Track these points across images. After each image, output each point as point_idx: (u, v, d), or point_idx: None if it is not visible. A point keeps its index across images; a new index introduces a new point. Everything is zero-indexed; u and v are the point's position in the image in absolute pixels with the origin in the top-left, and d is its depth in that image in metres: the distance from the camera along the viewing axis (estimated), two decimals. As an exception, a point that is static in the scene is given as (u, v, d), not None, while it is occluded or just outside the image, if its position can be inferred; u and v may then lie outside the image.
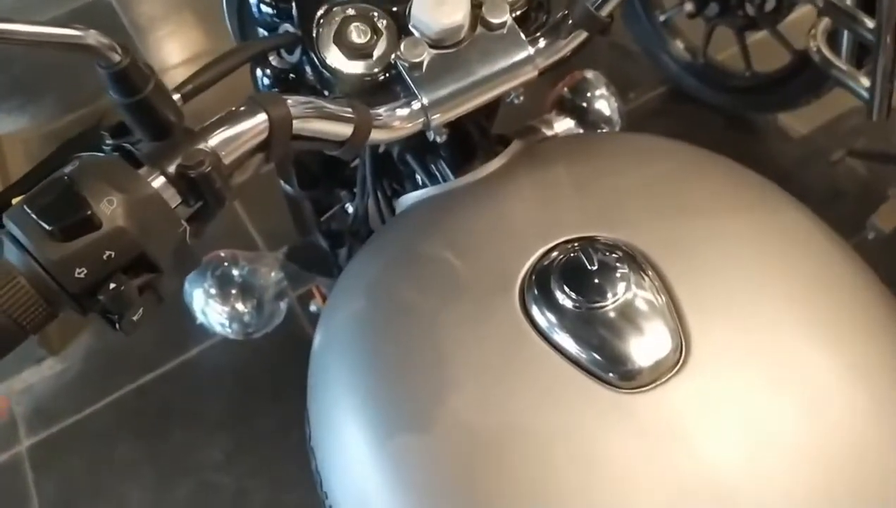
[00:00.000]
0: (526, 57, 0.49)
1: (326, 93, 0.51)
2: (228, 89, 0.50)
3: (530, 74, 0.49)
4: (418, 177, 0.60)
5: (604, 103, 0.79)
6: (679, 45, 1.57)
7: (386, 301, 0.49)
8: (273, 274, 0.69)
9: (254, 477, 1.25)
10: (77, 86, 1.83)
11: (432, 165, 0.58)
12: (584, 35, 0.50)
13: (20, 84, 1.84)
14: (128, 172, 0.35)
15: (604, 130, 0.78)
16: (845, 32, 1.09)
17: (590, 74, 0.79)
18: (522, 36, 0.49)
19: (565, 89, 0.78)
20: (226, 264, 0.68)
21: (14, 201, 0.36)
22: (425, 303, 0.47)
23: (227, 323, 0.68)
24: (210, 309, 0.67)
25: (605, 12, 0.49)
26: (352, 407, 0.46)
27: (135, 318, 0.35)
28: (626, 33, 1.61)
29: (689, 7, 1.43)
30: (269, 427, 1.30)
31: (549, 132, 0.73)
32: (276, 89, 0.54)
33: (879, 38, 0.98)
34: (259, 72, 0.55)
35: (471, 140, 0.56)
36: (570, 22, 0.49)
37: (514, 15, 0.50)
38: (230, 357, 1.40)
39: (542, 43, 0.50)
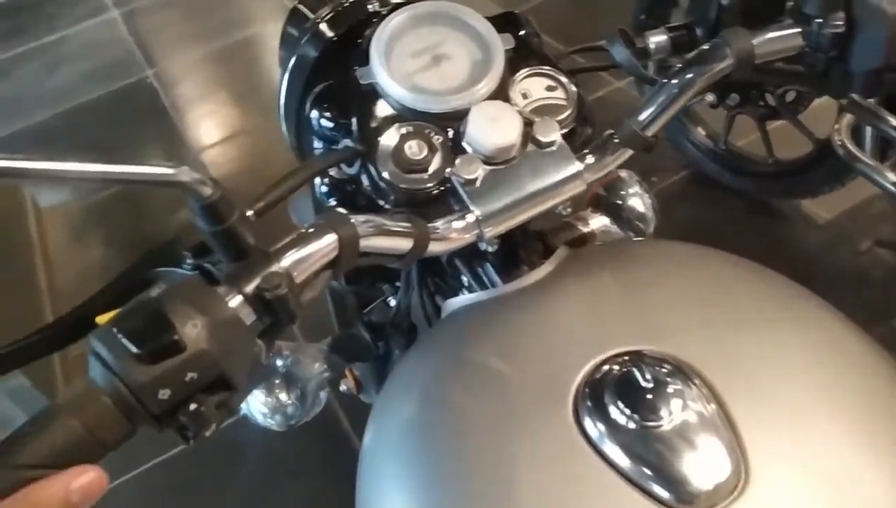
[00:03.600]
0: (575, 172, 0.51)
1: (381, 202, 0.53)
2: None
3: (579, 188, 0.52)
4: (464, 278, 0.62)
5: (637, 201, 0.81)
6: (700, 132, 1.61)
7: (438, 409, 0.50)
8: (316, 365, 0.70)
9: (274, 559, 1.23)
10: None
11: (479, 270, 0.59)
12: (629, 152, 0.53)
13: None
14: (210, 294, 0.36)
15: (639, 226, 0.80)
16: (868, 127, 1.12)
17: (624, 174, 0.81)
18: (571, 153, 0.52)
19: (600, 188, 0.80)
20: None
21: (98, 317, 0.38)
22: (478, 412, 0.48)
23: (269, 414, 0.68)
24: (254, 399, 0.68)
25: (650, 133, 0.52)
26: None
27: (207, 433, 0.37)
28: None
29: (710, 98, 1.48)
30: (293, 504, 1.28)
31: (585, 229, 0.75)
32: (334, 199, 0.57)
33: (903, 135, 1.00)
34: (318, 180, 0.58)
35: (518, 246, 0.58)
36: (617, 140, 0.52)
37: (561, 132, 0.53)
38: (254, 434, 1.39)
39: (590, 159, 0.52)
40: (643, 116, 0.51)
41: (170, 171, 0.35)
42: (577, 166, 0.51)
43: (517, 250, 0.58)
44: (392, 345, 0.79)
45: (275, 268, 0.39)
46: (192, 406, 0.34)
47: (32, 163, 0.32)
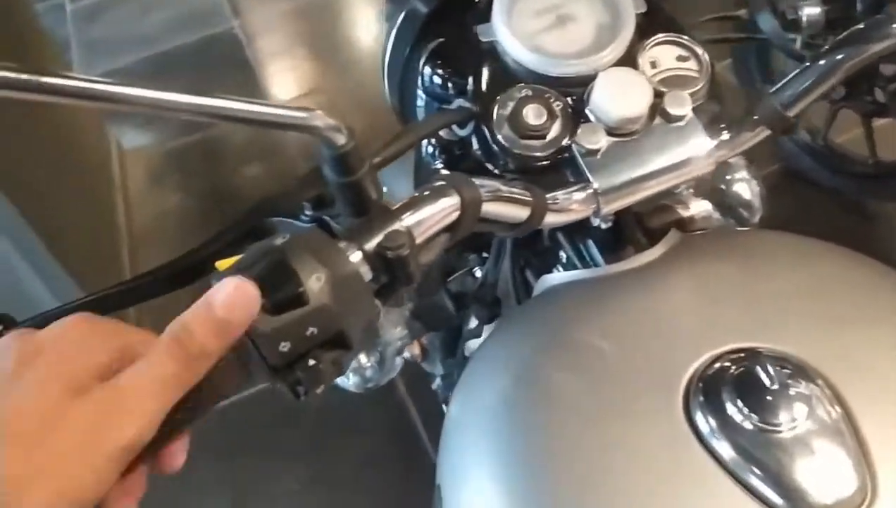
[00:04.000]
0: (705, 151, 0.48)
1: (491, 167, 0.51)
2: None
3: (707, 167, 0.48)
4: (561, 255, 0.59)
5: (744, 187, 0.76)
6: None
7: (534, 384, 0.48)
8: (397, 330, 0.69)
9: (326, 514, 1.25)
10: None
11: (581, 246, 0.57)
12: (766, 133, 0.49)
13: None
14: (333, 248, 0.35)
15: (743, 215, 0.75)
16: None
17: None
18: (702, 129, 0.48)
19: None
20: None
21: (218, 262, 0.37)
22: (579, 392, 0.46)
23: (347, 375, 0.68)
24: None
25: (793, 113, 0.48)
26: (493, 497, 0.45)
27: (318, 391, 0.36)
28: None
29: (814, 87, 1.39)
30: (345, 463, 1.30)
31: (684, 213, 0.71)
32: (440, 161, 0.55)
33: None
34: (424, 141, 0.56)
35: (627, 226, 0.55)
36: (756, 118, 0.48)
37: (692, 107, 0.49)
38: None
39: (724, 136, 0.49)
40: (787, 93, 0.47)
41: (304, 114, 0.34)
42: (708, 144, 0.48)
43: (623, 229, 0.55)
44: (469, 317, 0.77)
45: (397, 226, 0.37)
46: (311, 362, 0.33)
47: (169, 95, 0.31)
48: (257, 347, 0.32)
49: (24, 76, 0.27)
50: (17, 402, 0.28)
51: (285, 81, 2.02)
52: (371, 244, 0.36)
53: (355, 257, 0.36)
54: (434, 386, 1.11)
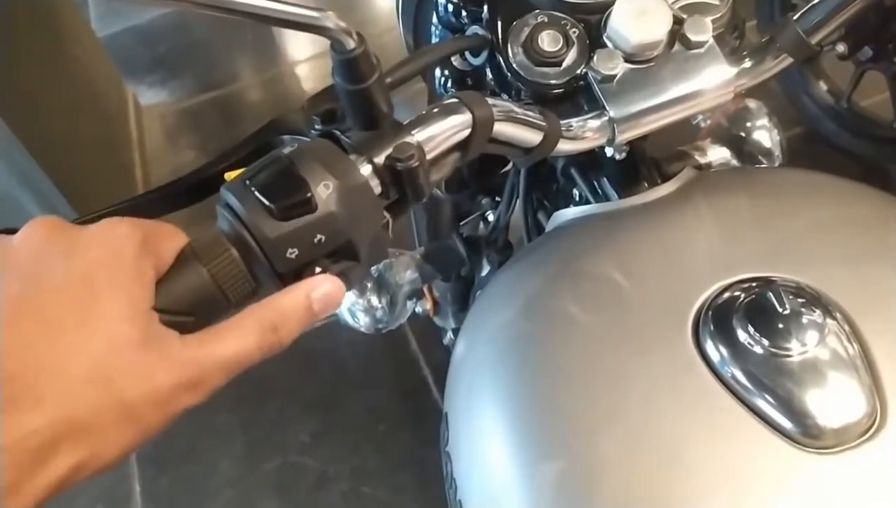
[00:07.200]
0: (725, 78, 0.47)
1: (506, 97, 0.50)
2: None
3: (726, 96, 0.47)
4: (575, 192, 0.59)
5: (764, 135, 0.74)
6: (822, 86, 1.49)
7: (543, 314, 0.48)
8: (408, 273, 0.69)
9: (337, 463, 1.27)
10: (215, 67, 1.93)
11: (595, 182, 0.56)
12: (788, 61, 0.47)
13: (163, 61, 1.96)
14: (342, 159, 0.35)
15: (762, 163, 0.74)
16: None
17: (752, 104, 0.75)
18: (722, 56, 0.47)
19: (723, 117, 0.74)
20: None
21: (227, 174, 0.37)
22: (589, 321, 0.46)
23: (359, 315, 0.68)
24: (345, 299, 0.68)
25: (815, 40, 0.46)
26: (500, 421, 0.45)
27: None
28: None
29: (840, 48, 1.35)
30: (357, 416, 1.32)
31: (702, 160, 0.70)
32: (454, 91, 0.54)
33: None
34: (438, 71, 0.55)
35: (642, 160, 0.54)
36: (777, 46, 0.47)
37: (713, 34, 0.48)
38: (326, 343, 1.42)
39: (746, 63, 0.48)
40: (810, 18, 0.46)
41: (315, 14, 0.33)
42: (727, 71, 0.47)
43: (638, 165, 0.55)
44: (481, 264, 0.77)
45: (407, 139, 0.37)
46: (318, 270, 0.33)
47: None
48: (265, 253, 0.32)
49: None
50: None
51: (301, 41, 2.00)
52: (380, 157, 0.36)
53: (365, 169, 0.36)
54: (445, 341, 1.11)
